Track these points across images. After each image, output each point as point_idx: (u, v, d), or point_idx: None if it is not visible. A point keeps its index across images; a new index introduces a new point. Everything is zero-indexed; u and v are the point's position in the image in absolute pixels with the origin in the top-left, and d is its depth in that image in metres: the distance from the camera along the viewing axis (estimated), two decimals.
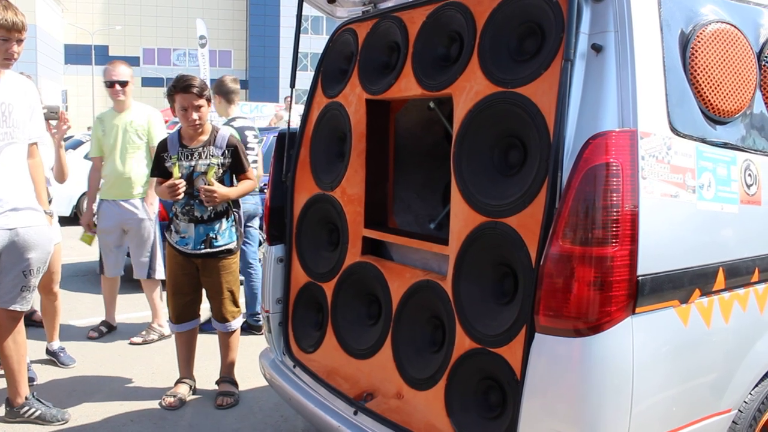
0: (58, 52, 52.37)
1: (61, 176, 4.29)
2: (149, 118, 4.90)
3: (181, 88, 3.58)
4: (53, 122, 4.19)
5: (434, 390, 2.37)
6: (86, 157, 5.07)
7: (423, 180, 3.25)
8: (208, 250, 3.66)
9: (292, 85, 3.22)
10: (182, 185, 3.55)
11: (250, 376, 4.11)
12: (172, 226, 3.72)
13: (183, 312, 3.81)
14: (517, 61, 2.20)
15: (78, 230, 5.28)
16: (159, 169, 3.72)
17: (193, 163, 3.64)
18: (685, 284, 2.00)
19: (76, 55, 55.11)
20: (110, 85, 4.79)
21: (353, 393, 2.66)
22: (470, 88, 2.30)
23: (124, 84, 4.79)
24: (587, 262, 1.85)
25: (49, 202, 4.23)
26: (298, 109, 4.63)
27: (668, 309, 1.97)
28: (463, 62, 2.35)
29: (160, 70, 55.39)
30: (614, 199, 1.84)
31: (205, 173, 3.61)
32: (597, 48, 1.95)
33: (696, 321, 2.04)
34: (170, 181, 3.57)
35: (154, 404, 3.79)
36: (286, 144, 3.16)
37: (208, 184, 3.58)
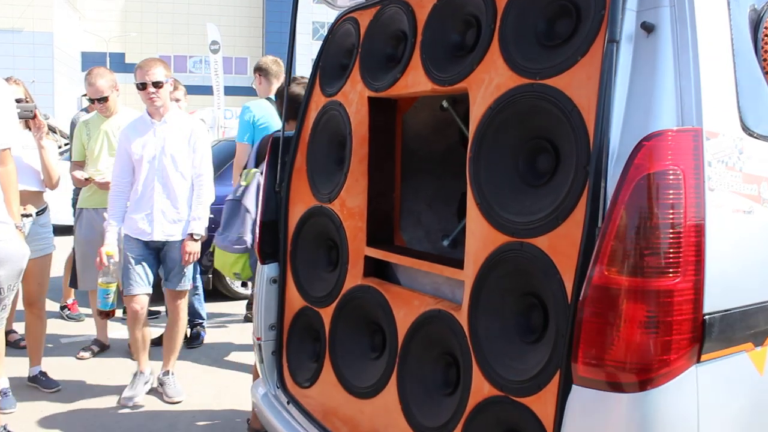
0: (75, 60, 52.68)
1: (49, 182, 3.99)
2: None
3: None
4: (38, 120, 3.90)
5: None
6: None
7: (435, 190, 2.87)
8: None
9: (288, 83, 2.88)
10: None
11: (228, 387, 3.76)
12: None
13: None
14: (546, 46, 1.81)
15: None
16: None
17: None
18: (761, 323, 1.60)
19: (92, 62, 55.40)
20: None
21: None
22: (490, 81, 1.92)
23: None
24: (639, 297, 1.46)
25: (44, 209, 3.98)
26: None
27: (740, 354, 1.58)
28: (481, 50, 1.97)
29: (177, 77, 55.47)
30: (674, 216, 1.45)
31: None
32: (648, 27, 1.57)
33: None
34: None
35: None
36: (280, 150, 2.79)
37: None
